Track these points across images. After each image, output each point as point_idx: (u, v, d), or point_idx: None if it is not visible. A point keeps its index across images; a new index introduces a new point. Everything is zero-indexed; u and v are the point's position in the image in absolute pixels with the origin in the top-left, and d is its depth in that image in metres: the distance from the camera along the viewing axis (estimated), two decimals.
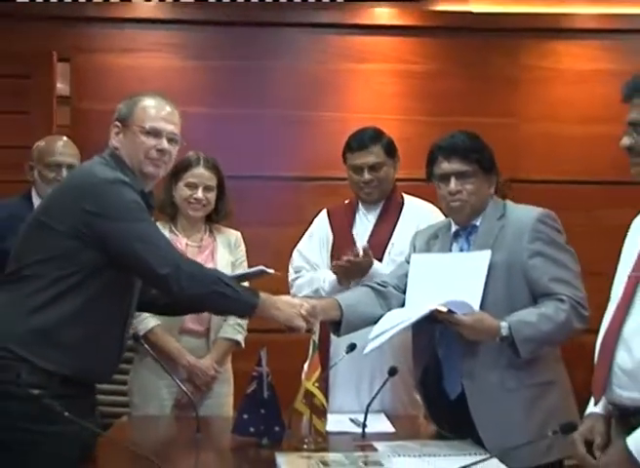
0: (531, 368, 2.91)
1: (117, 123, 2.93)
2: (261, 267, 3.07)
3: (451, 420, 3.00)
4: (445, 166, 3.07)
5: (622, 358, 2.34)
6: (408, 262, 3.23)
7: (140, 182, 2.90)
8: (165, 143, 2.91)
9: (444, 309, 2.80)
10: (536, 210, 3.06)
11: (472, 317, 2.82)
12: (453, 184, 3.05)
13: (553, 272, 2.94)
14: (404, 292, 3.16)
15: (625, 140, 2.39)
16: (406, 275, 3.18)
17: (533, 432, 2.71)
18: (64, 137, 4.08)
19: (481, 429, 2.89)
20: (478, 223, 3.09)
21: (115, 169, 2.84)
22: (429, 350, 3.06)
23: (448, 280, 2.99)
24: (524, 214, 3.05)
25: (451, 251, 3.14)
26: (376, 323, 3.04)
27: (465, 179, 3.05)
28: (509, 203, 3.14)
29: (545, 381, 2.96)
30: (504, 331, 2.82)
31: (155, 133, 2.90)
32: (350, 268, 3.45)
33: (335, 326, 3.14)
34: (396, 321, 2.94)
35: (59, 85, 5.60)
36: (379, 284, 3.23)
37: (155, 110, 2.92)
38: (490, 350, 2.90)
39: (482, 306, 2.89)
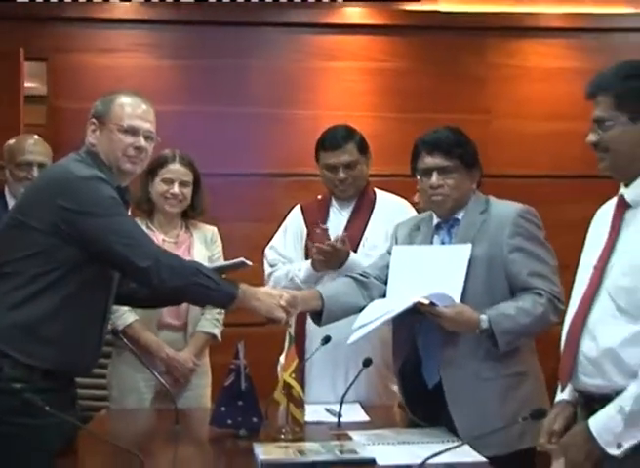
0: (506, 359, 2.93)
1: (94, 120, 2.92)
2: (242, 259, 3.07)
3: (428, 409, 3.01)
4: (428, 160, 3.07)
5: (588, 346, 2.36)
6: (389, 253, 3.24)
7: (117, 178, 2.90)
8: (142, 141, 2.92)
9: (426, 302, 2.82)
10: (517, 205, 3.07)
11: (453, 309, 2.84)
12: (435, 178, 3.06)
13: (532, 267, 2.96)
14: (385, 283, 3.17)
15: (591, 137, 2.40)
16: (387, 266, 3.19)
17: (507, 420, 2.73)
18: (35, 136, 4.06)
19: (456, 417, 2.90)
20: (460, 217, 3.10)
21: (91, 165, 2.84)
22: (409, 341, 3.06)
23: (429, 272, 3.00)
24: (505, 209, 3.06)
25: (432, 243, 3.14)
26: (357, 312, 3.06)
27: (447, 174, 3.05)
28: (492, 198, 3.14)
29: (520, 372, 2.97)
30: (484, 324, 2.84)
31: (132, 131, 2.90)
32: (329, 256, 3.46)
33: (316, 316, 3.15)
34: (380, 312, 2.95)
35: (35, 84, 5.57)
36: (360, 274, 3.23)
37: (132, 108, 2.92)
38: (467, 341, 2.92)
39: (462, 298, 2.91)
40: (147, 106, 2.97)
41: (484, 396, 2.92)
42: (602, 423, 2.26)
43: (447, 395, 2.94)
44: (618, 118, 2.34)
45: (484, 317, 2.85)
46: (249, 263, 3.06)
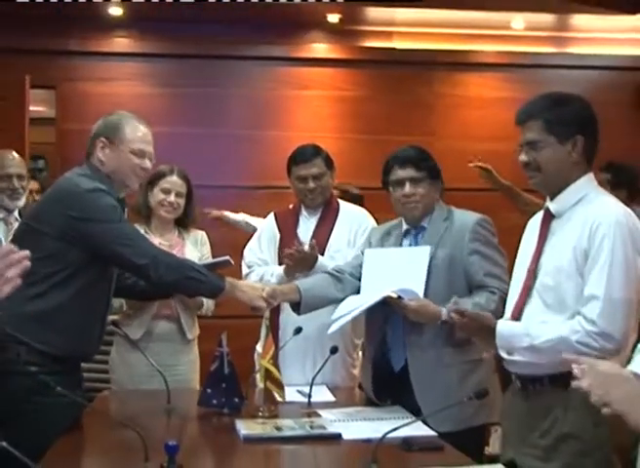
0: (464, 347, 2.93)
1: (104, 139, 2.87)
2: (227, 257, 3.08)
3: (394, 391, 3.00)
4: (400, 173, 3.07)
5: None
6: (363, 254, 3.24)
7: (117, 190, 2.89)
8: (148, 163, 2.93)
9: (394, 295, 2.84)
10: (476, 215, 3.07)
11: (418, 303, 2.85)
12: (407, 188, 3.05)
13: (487, 268, 2.96)
14: (358, 280, 3.17)
15: (523, 157, 2.40)
16: (361, 265, 3.19)
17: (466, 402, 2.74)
18: (13, 152, 4.00)
19: (420, 398, 2.90)
20: (426, 224, 3.09)
21: (93, 178, 2.82)
22: (380, 331, 3.06)
23: (396, 270, 3.01)
24: (466, 217, 3.06)
25: (402, 246, 3.13)
26: (332, 303, 3.09)
27: (417, 184, 3.05)
28: (453, 208, 3.14)
29: (476, 359, 2.97)
30: (444, 317, 2.82)
31: (141, 154, 2.90)
32: (298, 260, 3.45)
33: (295, 306, 3.15)
34: (355, 305, 2.97)
35: (45, 109, 5.54)
36: (336, 270, 3.24)
37: (142, 134, 2.92)
38: (430, 330, 2.92)
39: (427, 293, 2.92)
40: (148, 131, 2.96)
41: (445, 379, 2.92)
42: (508, 332, 2.34)
43: (412, 377, 2.94)
44: (548, 140, 2.36)
45: (444, 310, 2.84)
46: (232, 262, 3.06)
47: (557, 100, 2.40)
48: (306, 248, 3.44)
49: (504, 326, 2.38)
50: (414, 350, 2.97)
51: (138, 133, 2.90)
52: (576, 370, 1.71)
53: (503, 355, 2.39)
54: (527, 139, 2.39)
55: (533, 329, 2.30)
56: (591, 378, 1.68)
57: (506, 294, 2.87)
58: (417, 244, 3.10)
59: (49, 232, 2.72)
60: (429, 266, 2.97)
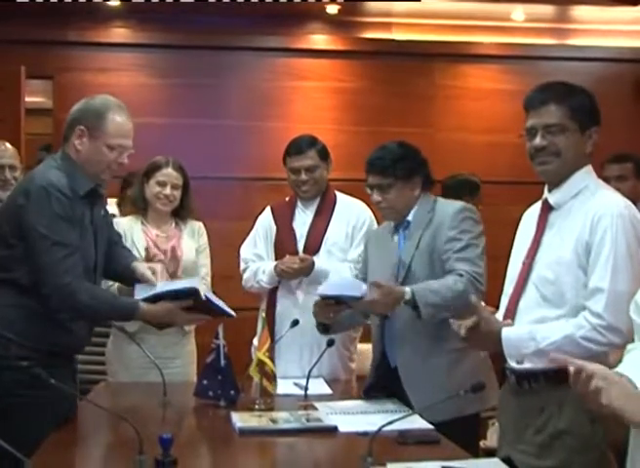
0: (448, 337, 2.84)
1: (82, 127, 2.77)
2: (195, 284, 2.93)
3: (393, 385, 2.98)
4: (369, 179, 3.05)
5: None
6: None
7: (91, 180, 2.81)
8: (125, 159, 2.83)
9: (327, 293, 2.90)
10: (458, 204, 3.06)
11: (381, 292, 2.81)
12: (375, 195, 3.04)
13: (460, 254, 2.93)
14: None
15: (539, 141, 2.34)
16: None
17: (453, 391, 2.72)
18: (6, 143, 3.96)
19: (409, 391, 2.89)
20: (410, 218, 3.06)
21: (63, 171, 2.74)
22: (380, 327, 3.05)
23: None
24: (448, 207, 3.04)
25: (396, 241, 3.09)
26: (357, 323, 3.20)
27: (384, 190, 3.01)
28: (440, 199, 3.12)
29: (460, 348, 2.88)
30: (407, 296, 2.81)
31: (120, 149, 2.80)
32: (295, 271, 3.47)
33: (321, 326, 3.15)
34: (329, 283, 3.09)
35: (43, 99, 5.51)
36: None
37: (122, 128, 2.80)
38: (415, 322, 2.88)
39: (411, 280, 2.91)
40: (131, 123, 2.85)
41: (431, 371, 2.91)
42: (515, 339, 2.29)
43: (400, 371, 2.94)
44: (571, 126, 2.32)
45: (407, 290, 2.83)
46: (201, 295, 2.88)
47: (575, 89, 2.37)
48: (296, 265, 3.43)
49: (509, 332, 2.32)
50: (401, 344, 2.96)
51: (119, 126, 2.79)
52: (569, 366, 1.70)
53: (513, 365, 2.33)
54: (547, 123, 2.33)
55: (537, 331, 2.26)
56: (592, 369, 1.67)
57: (477, 279, 2.85)
58: (405, 239, 3.06)
59: (8, 229, 2.70)
60: (412, 256, 2.96)
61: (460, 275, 2.88)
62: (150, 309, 2.83)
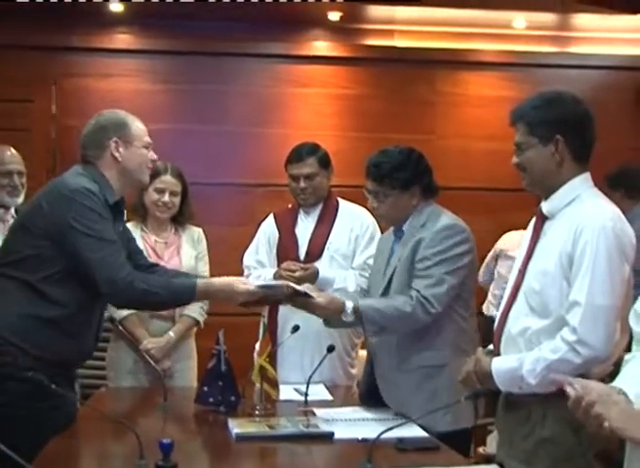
0: (422, 353, 2.86)
1: (115, 139, 2.81)
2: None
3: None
4: (367, 183, 3.02)
5: (504, 339, 2.37)
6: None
7: (121, 190, 2.85)
8: (154, 154, 2.92)
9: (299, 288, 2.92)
10: (443, 222, 2.92)
11: (325, 299, 2.86)
12: (370, 201, 3.02)
13: (423, 272, 2.86)
14: None
15: (514, 159, 2.40)
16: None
17: (419, 408, 2.67)
18: (11, 148, 3.97)
19: (388, 403, 2.90)
20: (405, 229, 3.01)
21: (90, 179, 2.76)
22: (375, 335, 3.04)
23: None
24: (434, 225, 2.93)
25: (392, 250, 3.05)
26: None
27: (379, 198, 2.98)
28: (436, 212, 2.99)
29: (435, 365, 2.86)
30: (349, 310, 2.83)
31: (150, 146, 2.89)
32: (296, 281, 3.46)
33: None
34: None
35: None
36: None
37: (143, 128, 2.90)
38: (391, 337, 2.89)
39: (388, 292, 2.92)
40: None
41: (402, 384, 2.88)
42: (504, 369, 2.29)
43: (378, 381, 2.94)
44: (530, 142, 2.34)
45: (350, 304, 2.84)
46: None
47: (541, 101, 2.37)
48: (298, 273, 3.42)
49: (498, 363, 2.32)
50: (380, 355, 2.96)
51: (140, 127, 2.89)
52: (569, 389, 1.71)
53: (515, 391, 2.30)
54: (514, 142, 2.40)
55: (524, 361, 2.24)
56: (591, 397, 1.68)
57: (428, 300, 2.80)
58: (398, 248, 3.01)
59: (36, 231, 2.67)
60: (395, 268, 2.94)
61: (410, 296, 2.82)
62: (208, 284, 2.87)
